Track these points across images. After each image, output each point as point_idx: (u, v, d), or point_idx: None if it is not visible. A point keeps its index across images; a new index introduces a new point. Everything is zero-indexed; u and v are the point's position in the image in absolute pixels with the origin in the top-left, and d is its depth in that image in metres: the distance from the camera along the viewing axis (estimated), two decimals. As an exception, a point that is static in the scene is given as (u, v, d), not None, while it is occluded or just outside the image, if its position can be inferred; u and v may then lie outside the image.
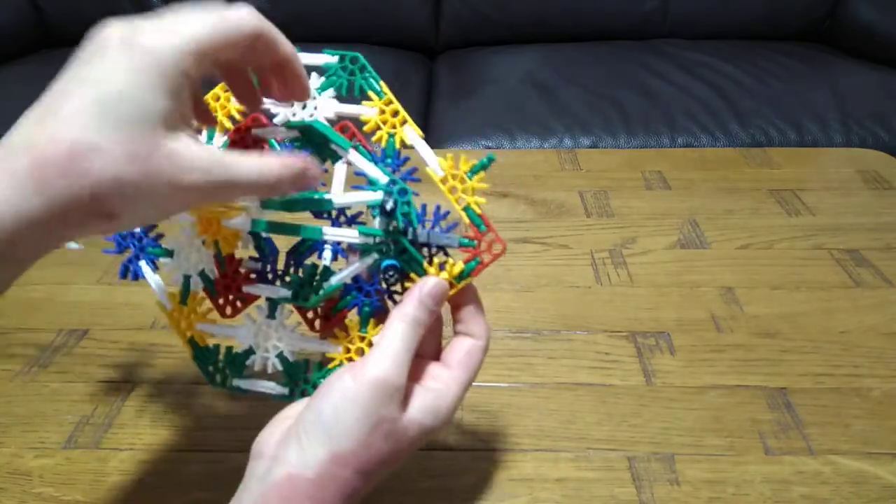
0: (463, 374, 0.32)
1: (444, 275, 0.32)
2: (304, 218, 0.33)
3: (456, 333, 0.34)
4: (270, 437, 0.30)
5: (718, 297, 0.54)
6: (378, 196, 0.31)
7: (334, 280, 0.33)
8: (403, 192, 0.32)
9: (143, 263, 0.37)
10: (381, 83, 0.34)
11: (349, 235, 0.32)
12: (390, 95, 0.33)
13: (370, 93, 0.34)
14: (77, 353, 0.49)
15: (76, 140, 0.23)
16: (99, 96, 0.23)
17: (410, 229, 0.32)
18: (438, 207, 0.33)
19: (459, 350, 0.33)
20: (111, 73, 0.24)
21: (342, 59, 0.34)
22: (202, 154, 0.25)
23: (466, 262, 0.32)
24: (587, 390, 0.45)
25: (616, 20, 1.47)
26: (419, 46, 1.52)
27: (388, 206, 0.31)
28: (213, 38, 0.25)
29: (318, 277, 0.33)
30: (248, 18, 0.27)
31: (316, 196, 0.32)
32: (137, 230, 0.37)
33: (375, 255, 0.32)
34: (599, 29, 1.47)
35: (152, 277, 0.37)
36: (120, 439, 0.42)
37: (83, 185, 0.23)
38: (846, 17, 1.41)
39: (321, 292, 0.33)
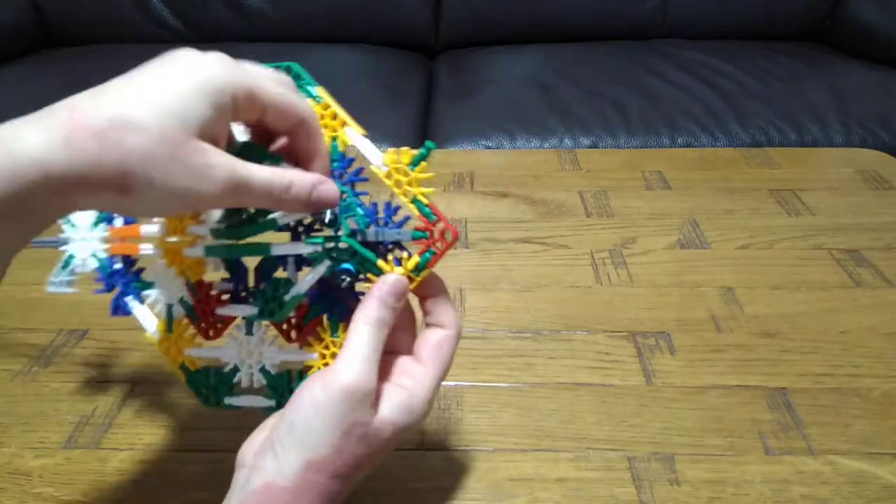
0: (434, 367, 0.33)
1: (401, 270, 0.32)
2: (267, 233, 0.34)
3: (427, 325, 0.34)
4: (250, 448, 0.31)
5: (718, 297, 0.54)
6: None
7: (293, 292, 0.33)
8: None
9: (129, 299, 0.38)
10: (318, 88, 0.34)
11: (296, 249, 0.33)
12: (328, 100, 0.34)
13: (309, 100, 0.33)
14: (77, 353, 0.49)
15: (118, 113, 0.24)
16: (149, 88, 0.26)
17: (358, 231, 0.32)
18: (389, 203, 0.33)
19: (429, 342, 0.33)
20: (167, 76, 0.26)
21: (277, 69, 0.34)
22: (227, 157, 0.27)
23: (420, 253, 0.32)
24: (587, 390, 0.45)
25: (616, 20, 1.47)
26: (419, 46, 1.52)
27: (327, 217, 0.32)
28: (269, 94, 0.28)
29: (279, 291, 0.34)
30: (304, 106, 0.30)
31: (260, 220, 0.32)
32: (119, 265, 0.38)
33: (328, 262, 0.33)
34: (599, 29, 1.47)
35: (140, 311, 0.38)
36: (120, 439, 0.42)
37: (113, 153, 0.24)
38: (846, 17, 1.41)
39: (285, 306, 0.33)
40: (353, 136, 0.33)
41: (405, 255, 0.33)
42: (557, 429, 0.42)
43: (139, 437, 0.42)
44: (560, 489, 0.39)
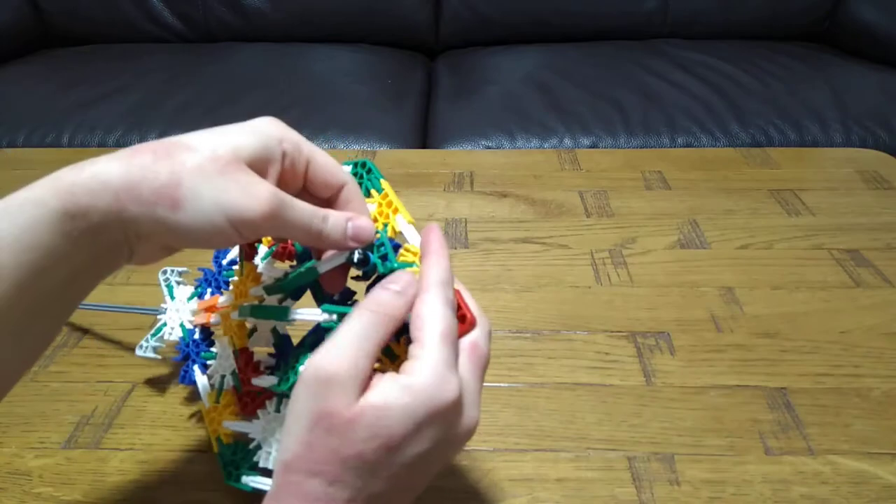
0: (428, 333, 0.27)
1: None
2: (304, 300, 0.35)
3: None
4: None
5: (718, 297, 0.54)
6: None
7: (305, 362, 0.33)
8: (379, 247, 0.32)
9: (196, 368, 0.40)
10: (383, 181, 0.35)
11: (313, 315, 0.32)
12: (388, 190, 0.35)
13: (372, 191, 0.36)
14: (77, 353, 0.49)
15: (176, 140, 0.28)
16: (209, 131, 0.29)
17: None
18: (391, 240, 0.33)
19: (415, 315, 0.28)
20: (230, 128, 0.29)
21: (355, 166, 0.36)
22: (270, 185, 0.28)
23: None
24: (587, 390, 0.45)
25: (616, 20, 1.47)
26: (419, 46, 1.52)
27: (356, 257, 0.31)
28: (315, 150, 0.31)
29: (299, 361, 0.32)
30: (343, 171, 0.32)
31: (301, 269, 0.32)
32: (197, 336, 0.41)
33: None
34: (599, 29, 1.47)
35: (200, 380, 0.40)
36: (120, 439, 0.42)
37: (166, 163, 0.26)
38: (846, 17, 1.41)
39: (297, 376, 0.32)
40: (402, 223, 0.34)
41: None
42: (557, 429, 0.42)
43: (139, 437, 0.42)
44: (560, 489, 0.39)
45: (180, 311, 0.42)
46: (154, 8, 1.47)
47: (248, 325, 0.37)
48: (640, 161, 0.75)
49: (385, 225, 0.34)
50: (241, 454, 0.35)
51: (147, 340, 0.43)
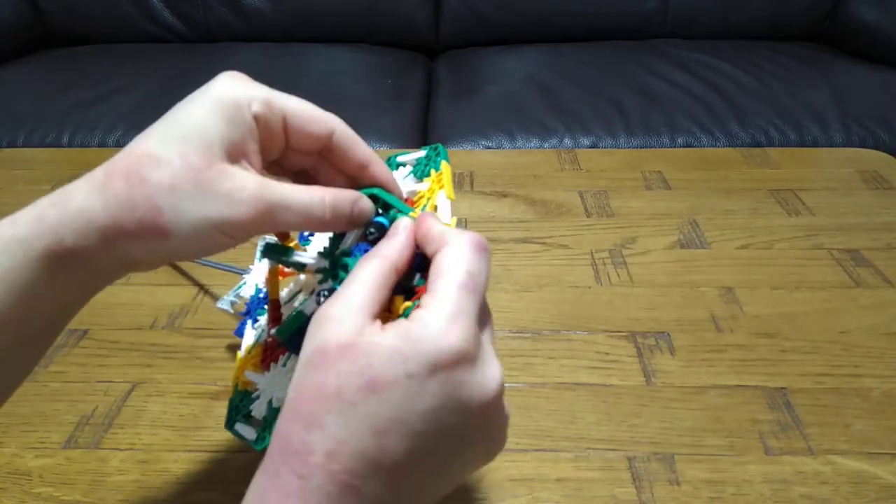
0: (437, 283, 0.24)
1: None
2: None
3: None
4: None
5: (718, 297, 0.54)
6: None
7: (297, 303, 0.33)
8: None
9: (248, 321, 0.41)
10: (444, 162, 0.35)
11: (305, 258, 0.32)
12: (445, 171, 0.34)
13: (431, 171, 0.35)
14: (77, 353, 0.49)
15: (143, 153, 0.25)
16: (170, 121, 0.26)
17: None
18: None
19: (436, 265, 0.26)
20: (185, 105, 0.27)
21: (430, 149, 0.37)
22: (255, 177, 0.26)
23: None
24: (587, 390, 0.45)
25: (616, 20, 1.47)
26: (419, 46, 1.52)
27: (372, 235, 0.30)
28: (289, 102, 0.28)
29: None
30: (326, 116, 0.29)
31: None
32: (262, 295, 0.41)
33: (331, 281, 0.30)
34: (599, 29, 1.47)
35: (248, 333, 0.40)
36: (120, 439, 0.42)
37: (141, 191, 0.25)
38: (846, 17, 1.41)
39: (286, 322, 0.31)
40: (441, 197, 0.33)
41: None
42: (557, 429, 0.42)
43: (139, 437, 0.42)
44: (560, 489, 0.39)
45: (261, 271, 0.44)
46: (154, 8, 1.47)
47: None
48: (640, 161, 0.75)
49: (426, 201, 0.34)
50: (245, 403, 0.35)
51: (228, 295, 0.47)
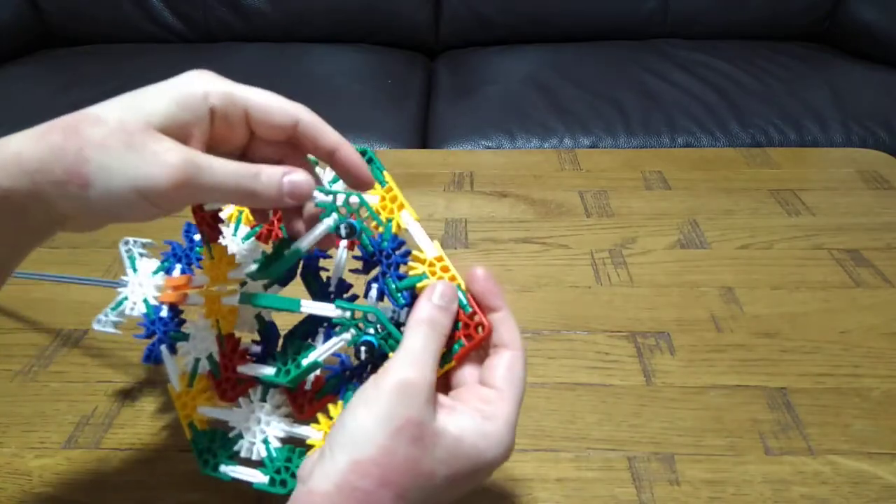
0: (510, 390, 0.30)
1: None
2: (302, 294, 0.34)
3: (492, 347, 0.31)
4: (309, 461, 0.29)
5: (718, 297, 0.54)
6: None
7: (313, 355, 0.32)
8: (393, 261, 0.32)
9: (163, 348, 0.38)
10: (386, 174, 0.34)
11: (325, 310, 0.32)
12: (392, 184, 0.34)
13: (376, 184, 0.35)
14: (77, 353, 0.49)
15: (87, 114, 0.26)
16: (127, 98, 0.27)
17: (392, 309, 0.32)
18: (395, 237, 0.33)
19: (499, 366, 0.30)
20: (149, 91, 0.27)
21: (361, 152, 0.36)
22: (185, 147, 0.27)
23: (449, 344, 0.31)
24: (587, 390, 0.45)
25: (616, 20, 1.47)
26: (419, 46, 1.52)
27: (343, 231, 0.31)
28: (250, 94, 0.29)
29: (299, 354, 0.32)
30: (290, 106, 0.29)
31: (285, 252, 0.32)
32: (164, 314, 0.39)
33: (353, 331, 0.31)
34: (599, 29, 1.47)
35: (169, 361, 0.38)
36: (120, 439, 0.42)
37: (73, 141, 0.25)
38: (846, 17, 1.41)
39: (301, 369, 0.32)
40: (408, 220, 0.33)
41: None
42: (557, 429, 0.42)
43: (139, 437, 0.42)
44: (560, 489, 0.39)
45: (144, 285, 0.40)
46: (154, 8, 1.47)
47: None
48: (640, 161, 0.75)
49: (389, 221, 0.33)
50: (220, 442, 0.34)
51: (106, 314, 0.41)
